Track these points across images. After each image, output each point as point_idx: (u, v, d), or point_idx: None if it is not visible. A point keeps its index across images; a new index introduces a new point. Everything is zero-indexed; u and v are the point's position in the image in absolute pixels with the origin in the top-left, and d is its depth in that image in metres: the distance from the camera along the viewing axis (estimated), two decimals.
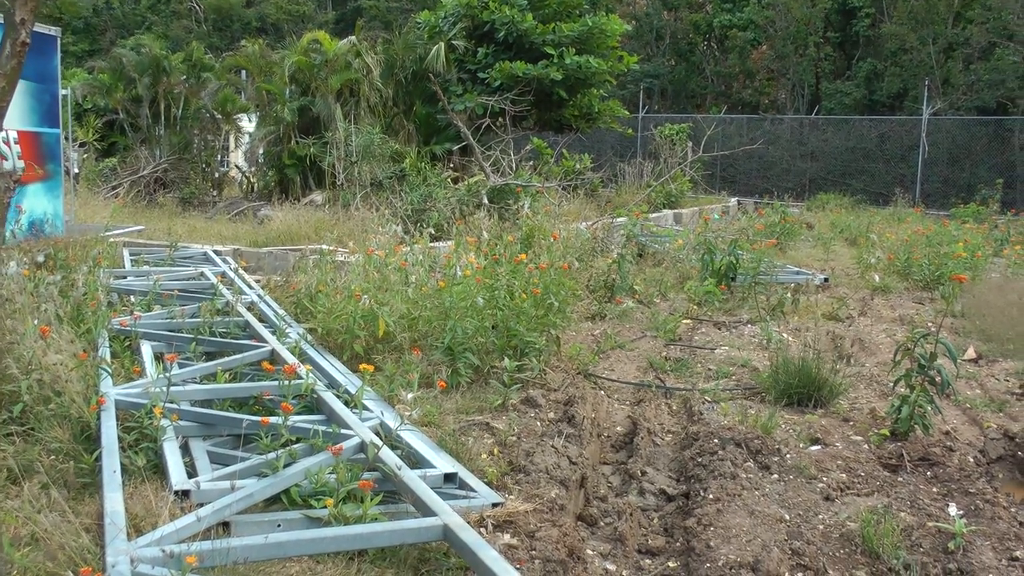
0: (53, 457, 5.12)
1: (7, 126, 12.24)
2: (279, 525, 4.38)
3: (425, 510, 4.29)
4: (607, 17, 21.31)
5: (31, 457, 5.05)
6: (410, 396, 4.94)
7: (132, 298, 9.35)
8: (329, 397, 5.92)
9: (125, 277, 10.55)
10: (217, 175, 23.68)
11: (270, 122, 21.37)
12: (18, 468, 4.80)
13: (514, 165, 18.05)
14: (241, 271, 11.34)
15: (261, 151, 22.31)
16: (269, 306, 9.31)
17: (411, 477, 4.53)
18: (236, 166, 24.78)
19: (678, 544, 4.89)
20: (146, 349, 7.32)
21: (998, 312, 10.35)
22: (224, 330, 8.21)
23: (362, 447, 4.95)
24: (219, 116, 23.65)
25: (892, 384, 6.87)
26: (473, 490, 4.83)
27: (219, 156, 24.86)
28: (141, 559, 3.71)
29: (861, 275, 13.58)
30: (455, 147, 20.08)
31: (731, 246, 11.73)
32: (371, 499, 4.36)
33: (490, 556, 3.80)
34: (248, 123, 25.29)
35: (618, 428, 6.83)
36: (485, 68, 20.66)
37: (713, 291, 10.89)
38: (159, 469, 5.01)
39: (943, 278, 12.48)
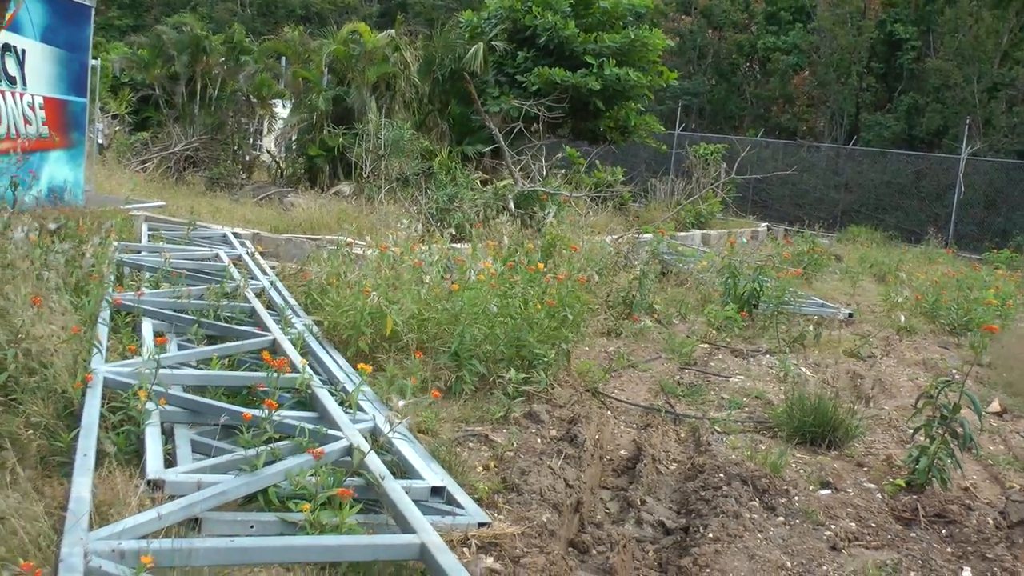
0: (30, 432, 4.92)
1: (34, 91, 12.16)
2: (252, 526, 4.14)
3: (404, 525, 4.03)
4: (650, 31, 21.01)
5: (10, 429, 4.84)
6: (401, 403, 4.69)
7: (145, 273, 9.18)
8: (323, 394, 5.67)
9: (140, 252, 10.38)
10: (248, 158, 23.66)
11: (304, 109, 21.33)
12: None
13: (544, 172, 17.80)
14: (257, 256, 11.16)
15: (293, 137, 22.24)
16: (280, 294, 9.10)
17: (394, 488, 4.27)
18: (267, 151, 24.75)
19: None
20: (147, 327, 7.06)
21: None
22: (229, 315, 8.00)
23: (349, 451, 4.71)
24: (254, 100, 23.67)
25: (912, 432, 6.53)
26: (461, 506, 4.57)
27: (251, 140, 24.81)
28: (96, 553, 3.47)
29: (887, 313, 13.21)
30: (487, 149, 19.87)
31: (756, 272, 11.38)
32: (350, 508, 4.11)
33: None
34: (283, 109, 25.26)
35: (622, 452, 6.53)
36: (523, 72, 20.49)
37: (734, 317, 10.57)
38: (139, 454, 4.75)
39: (971, 324, 12.09)
